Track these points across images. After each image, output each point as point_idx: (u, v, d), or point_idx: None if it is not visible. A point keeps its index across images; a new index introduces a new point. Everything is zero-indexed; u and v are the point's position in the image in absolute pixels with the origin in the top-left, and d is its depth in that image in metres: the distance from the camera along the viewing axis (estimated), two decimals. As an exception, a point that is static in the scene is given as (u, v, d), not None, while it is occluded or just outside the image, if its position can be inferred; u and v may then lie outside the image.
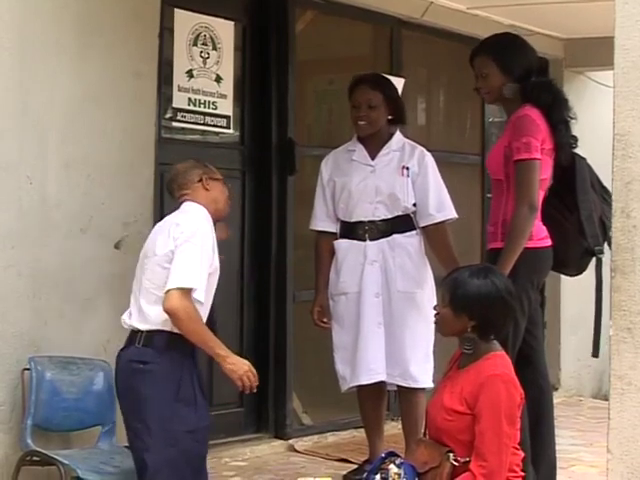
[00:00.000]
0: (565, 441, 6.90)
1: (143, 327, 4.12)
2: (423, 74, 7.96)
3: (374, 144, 5.75)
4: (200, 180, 4.37)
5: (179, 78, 6.04)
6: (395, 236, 5.63)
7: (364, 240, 5.67)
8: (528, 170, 4.81)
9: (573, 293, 8.67)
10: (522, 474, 3.83)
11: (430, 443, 3.82)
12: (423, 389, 5.63)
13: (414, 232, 5.65)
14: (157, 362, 4.06)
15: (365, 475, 3.81)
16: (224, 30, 6.30)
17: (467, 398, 3.73)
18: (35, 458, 4.80)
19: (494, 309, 3.82)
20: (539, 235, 4.89)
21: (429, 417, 3.88)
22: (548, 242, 4.93)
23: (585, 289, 8.66)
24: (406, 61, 7.40)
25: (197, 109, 6.14)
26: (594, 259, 5.11)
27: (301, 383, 6.71)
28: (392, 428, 6.45)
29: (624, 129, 3.43)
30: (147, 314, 4.11)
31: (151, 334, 4.09)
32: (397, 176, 5.67)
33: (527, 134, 4.82)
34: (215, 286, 4.27)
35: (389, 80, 5.97)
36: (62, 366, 4.96)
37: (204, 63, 6.18)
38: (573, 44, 8.47)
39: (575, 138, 5.09)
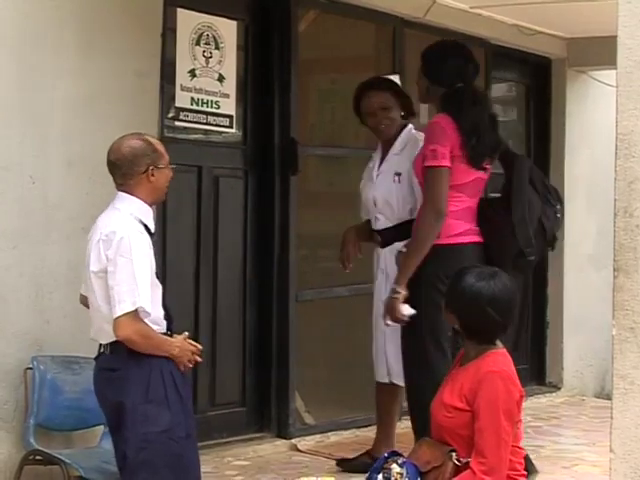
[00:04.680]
0: (568, 440, 6.90)
1: (105, 341, 4.07)
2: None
3: (386, 145, 5.80)
4: (146, 171, 4.06)
5: (182, 77, 6.03)
6: (396, 244, 5.61)
7: (379, 247, 5.79)
8: (434, 177, 5.03)
9: (576, 293, 8.67)
10: (524, 472, 3.83)
11: (432, 443, 3.82)
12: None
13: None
14: (124, 367, 3.99)
15: (368, 474, 3.80)
16: (227, 29, 6.29)
17: (466, 395, 3.73)
18: (38, 457, 4.81)
19: (472, 316, 3.80)
20: (453, 232, 5.04)
21: (431, 415, 3.88)
22: (465, 239, 5.07)
23: (588, 289, 8.73)
24: (409, 60, 7.39)
25: (200, 108, 6.14)
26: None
27: (303, 382, 6.70)
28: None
29: (627, 128, 3.43)
30: (106, 331, 4.03)
31: (116, 341, 4.02)
32: (391, 184, 5.72)
33: (434, 141, 5.03)
34: (159, 285, 4.12)
35: (390, 79, 5.97)
36: (64, 365, 4.96)
37: (207, 62, 6.18)
38: (576, 43, 8.47)
39: (494, 146, 5.18)
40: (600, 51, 7.77)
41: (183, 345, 4.10)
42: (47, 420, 4.89)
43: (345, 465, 5.85)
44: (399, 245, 5.51)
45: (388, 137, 5.75)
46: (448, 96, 5.16)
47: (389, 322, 5.17)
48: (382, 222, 5.72)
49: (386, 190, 5.71)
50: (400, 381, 5.63)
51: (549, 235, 5.21)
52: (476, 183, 5.18)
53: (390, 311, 5.09)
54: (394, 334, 5.39)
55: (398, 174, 5.68)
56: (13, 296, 4.96)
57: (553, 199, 5.21)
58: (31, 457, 4.81)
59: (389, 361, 5.76)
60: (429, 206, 5.05)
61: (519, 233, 5.08)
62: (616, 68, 3.49)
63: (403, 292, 5.04)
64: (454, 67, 5.23)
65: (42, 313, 5.03)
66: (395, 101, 5.75)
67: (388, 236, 5.68)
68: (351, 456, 5.95)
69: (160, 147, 4.16)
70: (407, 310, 5.05)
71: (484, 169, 5.17)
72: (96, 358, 4.17)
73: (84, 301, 4.22)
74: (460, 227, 5.09)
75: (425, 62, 5.34)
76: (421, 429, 4.92)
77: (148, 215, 4.10)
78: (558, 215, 5.22)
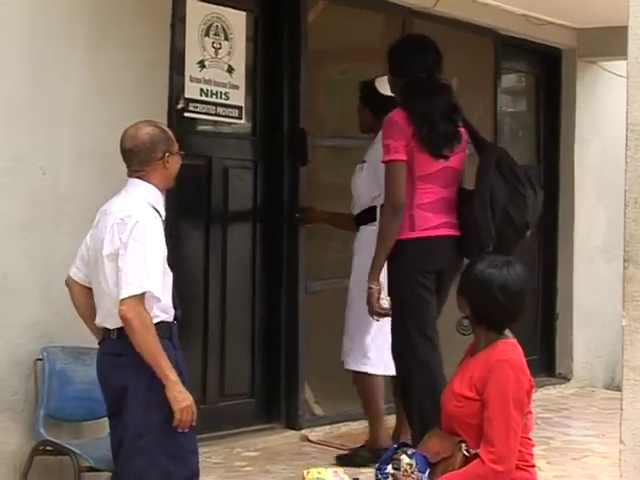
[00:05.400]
0: (577, 432, 6.90)
1: (112, 326, 4.06)
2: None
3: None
4: (162, 158, 4.11)
5: (191, 68, 6.03)
6: (361, 227, 5.93)
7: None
8: (388, 171, 5.16)
9: (586, 284, 8.65)
10: (533, 463, 3.83)
11: (442, 434, 3.82)
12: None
13: (374, 223, 5.75)
14: (130, 353, 3.96)
15: (377, 465, 3.81)
16: (236, 20, 6.29)
17: (476, 384, 3.72)
18: (48, 448, 4.82)
19: (482, 301, 3.80)
20: (428, 225, 5.14)
21: (442, 406, 3.88)
22: (439, 232, 5.16)
23: (597, 281, 8.71)
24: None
25: (209, 99, 6.14)
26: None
27: (313, 373, 6.71)
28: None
29: (637, 119, 3.43)
30: (114, 315, 4.02)
31: (123, 327, 4.01)
32: (358, 172, 5.96)
33: (387, 137, 5.18)
34: (170, 274, 4.13)
35: (369, 84, 6.11)
36: (74, 356, 4.97)
37: (216, 53, 6.17)
38: (586, 34, 8.44)
39: (450, 135, 5.24)
40: (610, 41, 7.74)
41: (187, 397, 3.96)
42: (57, 411, 4.91)
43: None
44: (362, 228, 5.86)
45: (364, 131, 6.12)
46: (402, 89, 5.33)
47: (375, 317, 5.31)
48: (356, 209, 5.98)
49: (356, 179, 5.99)
50: (344, 358, 5.93)
51: (518, 224, 5.22)
52: (445, 173, 5.23)
53: (369, 307, 5.22)
54: (358, 318, 5.67)
55: (363, 162, 5.94)
56: (24, 287, 4.97)
57: (523, 186, 5.24)
58: (41, 447, 4.83)
59: (345, 342, 5.99)
60: (387, 200, 5.19)
61: (479, 223, 5.12)
62: (627, 58, 3.48)
63: (375, 287, 5.18)
64: (410, 60, 5.35)
65: (52, 304, 5.04)
66: (363, 107, 6.09)
67: (357, 221, 5.94)
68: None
69: (171, 134, 4.22)
70: (386, 303, 5.20)
71: (446, 157, 5.21)
72: (100, 342, 4.17)
73: (70, 284, 4.28)
74: (436, 220, 5.17)
75: (387, 60, 5.51)
76: (417, 422, 4.97)
77: (159, 201, 4.15)
78: (528, 202, 5.22)
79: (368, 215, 5.83)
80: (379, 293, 5.17)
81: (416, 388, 5.08)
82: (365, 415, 6.08)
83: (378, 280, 5.18)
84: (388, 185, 5.17)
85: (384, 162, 5.18)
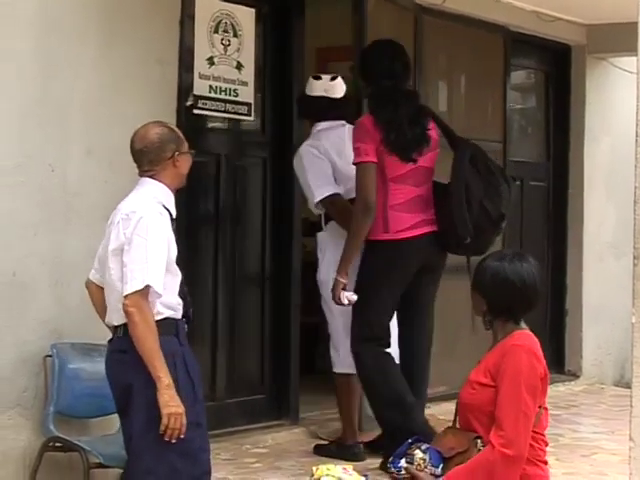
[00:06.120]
0: (587, 429, 6.89)
1: (118, 322, 4.07)
2: (445, 61, 7.94)
3: None
4: (172, 157, 4.14)
5: (200, 65, 6.03)
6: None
7: None
8: (359, 173, 5.36)
9: (595, 281, 8.64)
10: (546, 460, 3.80)
11: (457, 430, 3.80)
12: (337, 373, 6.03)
13: (323, 229, 5.96)
14: (134, 350, 3.96)
15: (391, 459, 3.80)
16: (245, 17, 6.29)
17: (491, 370, 3.69)
18: (57, 444, 4.83)
19: (500, 292, 3.78)
20: (404, 225, 5.33)
21: (459, 397, 3.86)
22: (416, 232, 5.34)
23: (607, 278, 8.70)
24: (428, 48, 7.38)
25: (218, 96, 6.14)
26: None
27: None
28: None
29: (647, 115, 3.42)
30: (118, 310, 4.03)
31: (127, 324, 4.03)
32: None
33: (356, 139, 5.37)
34: (178, 274, 4.14)
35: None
36: (84, 353, 4.98)
37: (225, 50, 6.17)
38: (596, 30, 8.43)
39: (419, 139, 5.39)
40: (620, 37, 7.72)
41: (178, 404, 3.93)
42: (66, 407, 4.91)
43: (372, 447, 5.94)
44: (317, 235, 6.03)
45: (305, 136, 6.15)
46: (370, 96, 5.51)
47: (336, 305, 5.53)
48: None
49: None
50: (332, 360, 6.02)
51: (494, 216, 5.36)
52: (417, 172, 5.38)
53: (333, 295, 5.45)
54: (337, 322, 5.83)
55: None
56: (33, 284, 4.98)
57: (497, 180, 5.37)
58: (51, 444, 4.84)
59: (330, 346, 6.07)
60: (358, 200, 5.36)
61: (456, 218, 5.25)
62: (636, 55, 3.47)
63: (343, 280, 5.38)
64: (379, 67, 5.48)
65: (62, 301, 5.05)
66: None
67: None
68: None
69: (180, 134, 4.26)
70: (350, 297, 5.41)
71: (414, 161, 5.36)
72: (109, 341, 4.19)
73: (88, 285, 4.28)
74: (411, 220, 5.35)
75: (357, 64, 5.66)
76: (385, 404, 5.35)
77: (170, 200, 4.18)
78: (502, 195, 5.37)
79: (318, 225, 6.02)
80: (344, 286, 5.37)
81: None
82: (339, 413, 6.09)
83: (347, 274, 5.37)
84: (359, 186, 5.34)
85: (355, 164, 5.35)
